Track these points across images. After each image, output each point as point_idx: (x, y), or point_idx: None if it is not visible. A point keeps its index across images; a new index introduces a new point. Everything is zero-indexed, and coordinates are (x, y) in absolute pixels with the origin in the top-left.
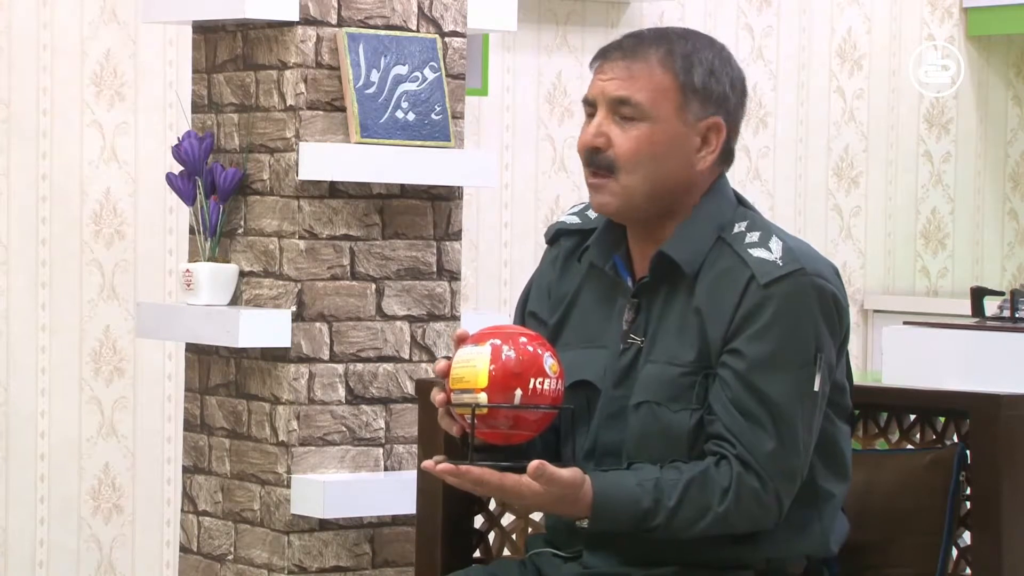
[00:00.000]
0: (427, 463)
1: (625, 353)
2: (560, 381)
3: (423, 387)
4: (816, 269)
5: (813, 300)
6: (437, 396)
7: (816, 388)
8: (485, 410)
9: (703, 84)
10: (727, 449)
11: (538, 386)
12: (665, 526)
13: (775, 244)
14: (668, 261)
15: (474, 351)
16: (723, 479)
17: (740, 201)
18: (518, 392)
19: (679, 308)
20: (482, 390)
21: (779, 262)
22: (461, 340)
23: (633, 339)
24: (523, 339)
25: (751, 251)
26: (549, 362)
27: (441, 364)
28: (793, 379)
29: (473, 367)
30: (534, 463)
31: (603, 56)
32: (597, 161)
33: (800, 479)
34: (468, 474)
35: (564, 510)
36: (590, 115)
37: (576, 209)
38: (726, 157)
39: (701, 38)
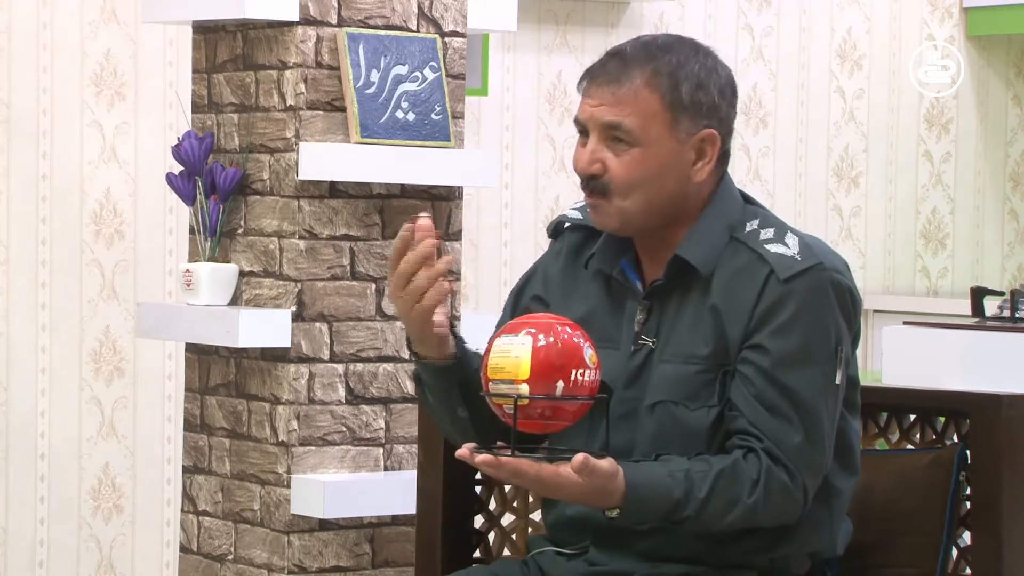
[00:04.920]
0: (462, 451)
1: (636, 354)
2: (598, 372)
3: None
4: (833, 264)
5: (832, 295)
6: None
7: (837, 381)
8: (527, 401)
9: (692, 99)
10: (754, 443)
11: (579, 377)
12: (695, 518)
13: (791, 239)
14: (683, 264)
15: (513, 341)
16: (752, 471)
17: (747, 199)
18: (560, 383)
19: (693, 308)
20: (524, 381)
21: (798, 257)
22: (422, 233)
23: (645, 340)
24: (560, 328)
25: (768, 247)
26: (588, 352)
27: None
28: (817, 373)
29: (514, 357)
30: (579, 457)
31: (590, 78)
32: (593, 186)
33: (824, 473)
34: (507, 465)
35: (597, 501)
36: (582, 133)
37: (580, 204)
38: (723, 159)
39: (685, 47)
